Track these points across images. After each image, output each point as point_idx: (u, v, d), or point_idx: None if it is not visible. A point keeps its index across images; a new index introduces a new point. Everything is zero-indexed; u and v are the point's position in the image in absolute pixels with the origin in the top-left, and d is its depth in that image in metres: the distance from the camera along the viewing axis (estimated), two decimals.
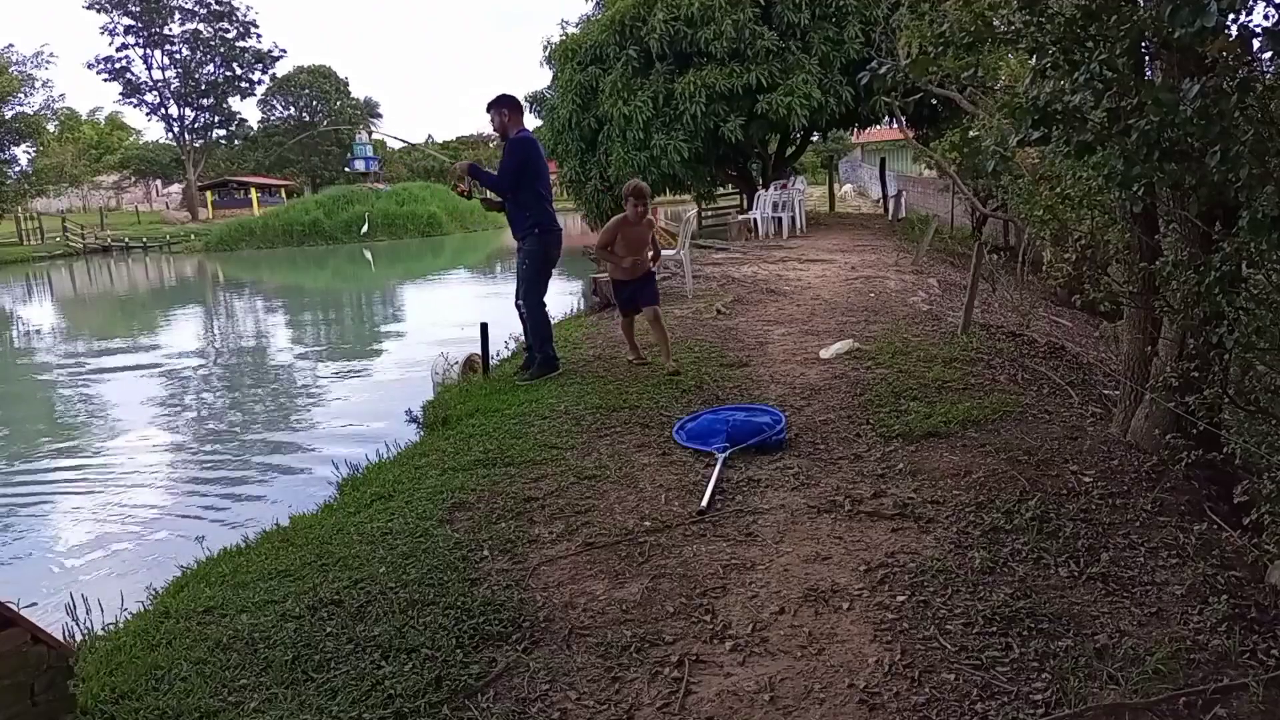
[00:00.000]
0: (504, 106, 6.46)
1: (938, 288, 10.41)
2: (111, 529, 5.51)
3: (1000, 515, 3.61)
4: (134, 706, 2.69)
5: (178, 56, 55.99)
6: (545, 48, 19.53)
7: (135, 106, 56.80)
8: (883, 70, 3.88)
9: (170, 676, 2.83)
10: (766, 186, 18.61)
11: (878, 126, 22.39)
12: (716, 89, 16.64)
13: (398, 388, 8.78)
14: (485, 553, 3.60)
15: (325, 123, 63.58)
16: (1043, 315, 9.16)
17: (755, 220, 17.27)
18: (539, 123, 20.70)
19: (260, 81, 60.39)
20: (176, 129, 57.00)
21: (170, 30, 55.53)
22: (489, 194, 6.76)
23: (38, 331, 18.13)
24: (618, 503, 4.06)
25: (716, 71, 16.70)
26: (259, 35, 58.75)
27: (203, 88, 56.69)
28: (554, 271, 6.72)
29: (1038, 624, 2.81)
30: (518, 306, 6.71)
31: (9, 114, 40.99)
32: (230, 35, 57.33)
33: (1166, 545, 3.35)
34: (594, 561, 3.49)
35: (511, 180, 6.40)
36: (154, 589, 3.82)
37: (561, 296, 15.26)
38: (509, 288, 6.87)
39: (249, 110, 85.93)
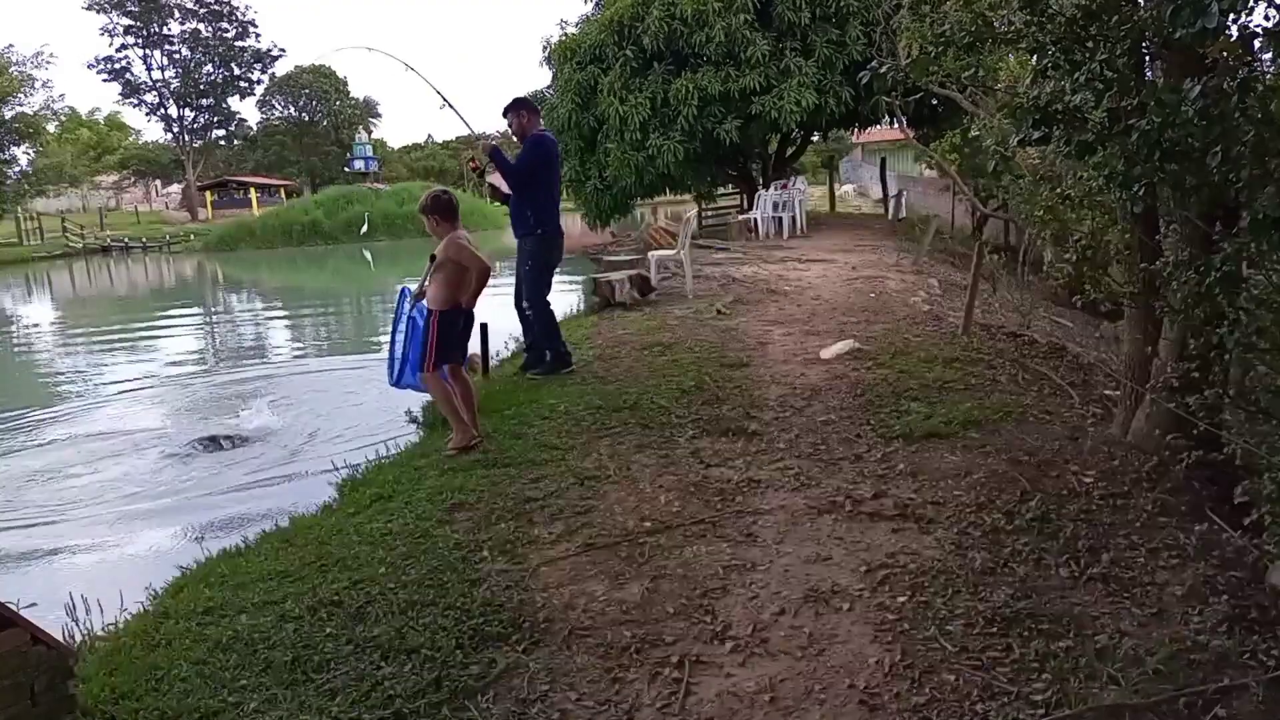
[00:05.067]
0: (522, 109, 6.50)
1: (938, 288, 10.41)
2: (111, 529, 5.51)
3: (1001, 516, 3.61)
4: (134, 707, 2.69)
5: (177, 57, 56.04)
6: (545, 48, 19.53)
7: (135, 107, 56.98)
8: (883, 70, 3.88)
9: (170, 677, 2.83)
10: (767, 186, 18.60)
11: (878, 126, 22.35)
12: (710, 92, 16.65)
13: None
14: (485, 553, 3.60)
15: (325, 122, 63.63)
16: (1043, 315, 9.15)
17: (755, 220, 17.26)
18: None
19: (259, 81, 60.51)
20: (176, 129, 57.02)
21: (169, 30, 55.65)
22: (499, 183, 6.75)
23: (38, 328, 18.13)
24: (618, 503, 4.05)
25: (711, 74, 16.71)
26: (258, 35, 58.90)
27: (202, 88, 56.72)
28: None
29: (1038, 624, 2.81)
30: (519, 308, 6.71)
31: (9, 114, 40.98)
32: (229, 35, 57.38)
33: (1167, 546, 3.34)
34: (594, 562, 3.48)
35: (526, 175, 6.39)
36: (154, 589, 3.81)
37: (562, 296, 15.25)
38: (508, 287, 6.88)
39: (248, 110, 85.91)
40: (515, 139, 6.62)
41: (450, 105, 7.05)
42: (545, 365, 6.60)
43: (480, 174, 6.82)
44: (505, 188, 6.68)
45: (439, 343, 5.06)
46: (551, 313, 6.69)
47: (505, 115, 6.53)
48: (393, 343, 5.98)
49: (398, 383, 5.88)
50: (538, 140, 6.44)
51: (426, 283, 5.24)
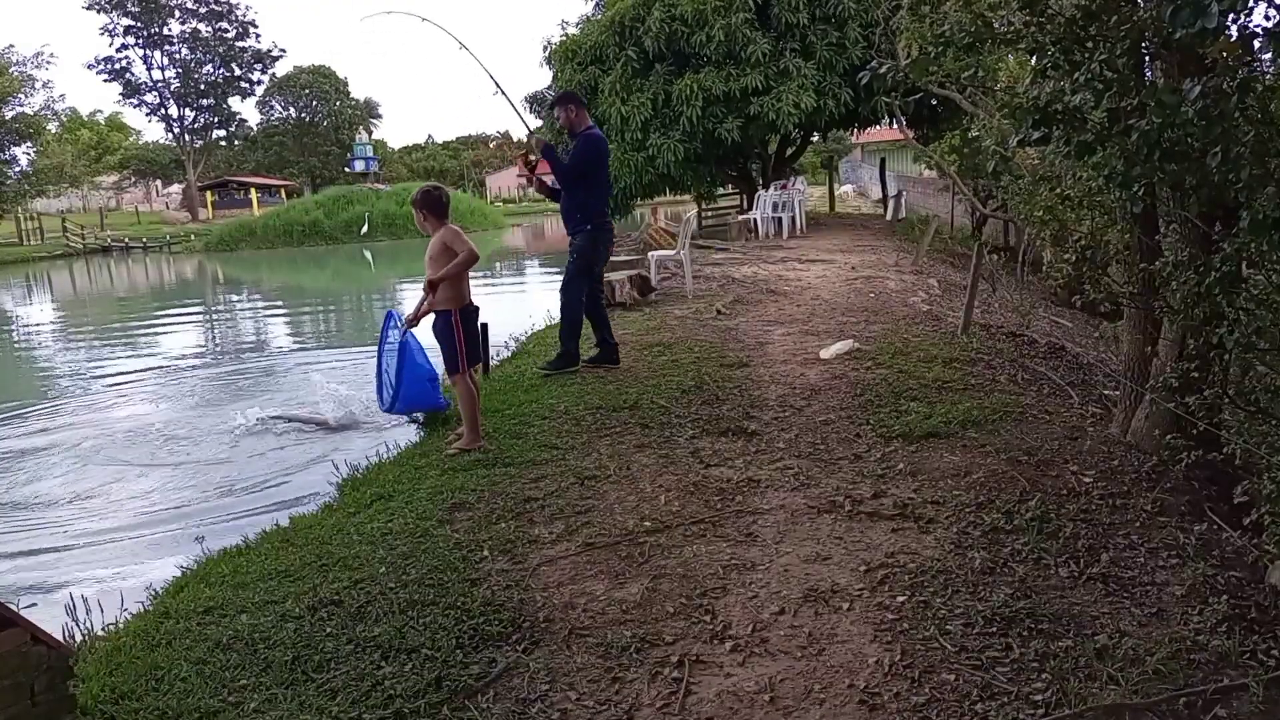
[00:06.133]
0: (570, 103, 6.61)
1: (938, 288, 10.41)
2: (111, 529, 5.50)
3: (1000, 515, 3.61)
4: (134, 707, 2.69)
5: (177, 57, 56.11)
6: (545, 48, 19.55)
7: (135, 107, 57.05)
8: (883, 70, 3.88)
9: (170, 677, 2.83)
10: (766, 187, 18.61)
11: (878, 127, 22.38)
12: (713, 91, 16.66)
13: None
14: (485, 553, 3.60)
15: (325, 122, 63.77)
16: (1043, 315, 9.17)
17: (755, 220, 17.27)
18: (539, 123, 20.70)
19: (260, 82, 60.57)
20: (176, 129, 57.04)
21: (170, 30, 55.70)
22: (548, 179, 6.84)
23: (38, 328, 18.13)
24: (618, 503, 4.06)
25: (713, 74, 16.72)
26: (258, 35, 59.04)
27: (202, 88, 56.77)
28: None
29: (1038, 624, 2.81)
30: (561, 300, 6.84)
31: (9, 114, 41.01)
32: (229, 35, 57.43)
33: (1167, 545, 3.34)
34: (594, 562, 3.49)
35: (577, 175, 6.47)
36: (154, 589, 3.82)
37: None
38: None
39: (249, 110, 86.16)
40: (566, 134, 6.70)
41: (503, 92, 7.20)
42: (554, 361, 6.64)
43: (531, 169, 6.93)
44: (551, 182, 6.78)
45: (465, 343, 5.14)
46: (580, 311, 6.71)
47: (553, 109, 6.65)
48: (379, 367, 6.04)
49: (390, 408, 5.94)
50: (589, 138, 6.51)
51: (425, 302, 5.19)
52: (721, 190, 22.27)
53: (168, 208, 61.81)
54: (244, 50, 58.05)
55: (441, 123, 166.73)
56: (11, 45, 65.92)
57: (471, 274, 5.44)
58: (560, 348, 6.70)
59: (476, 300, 5.41)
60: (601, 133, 6.82)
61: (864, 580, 3.19)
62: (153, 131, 79.20)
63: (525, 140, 6.96)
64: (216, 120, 58.86)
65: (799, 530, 3.65)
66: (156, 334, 16.23)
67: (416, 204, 5.25)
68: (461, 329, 5.12)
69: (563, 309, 6.70)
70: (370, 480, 4.83)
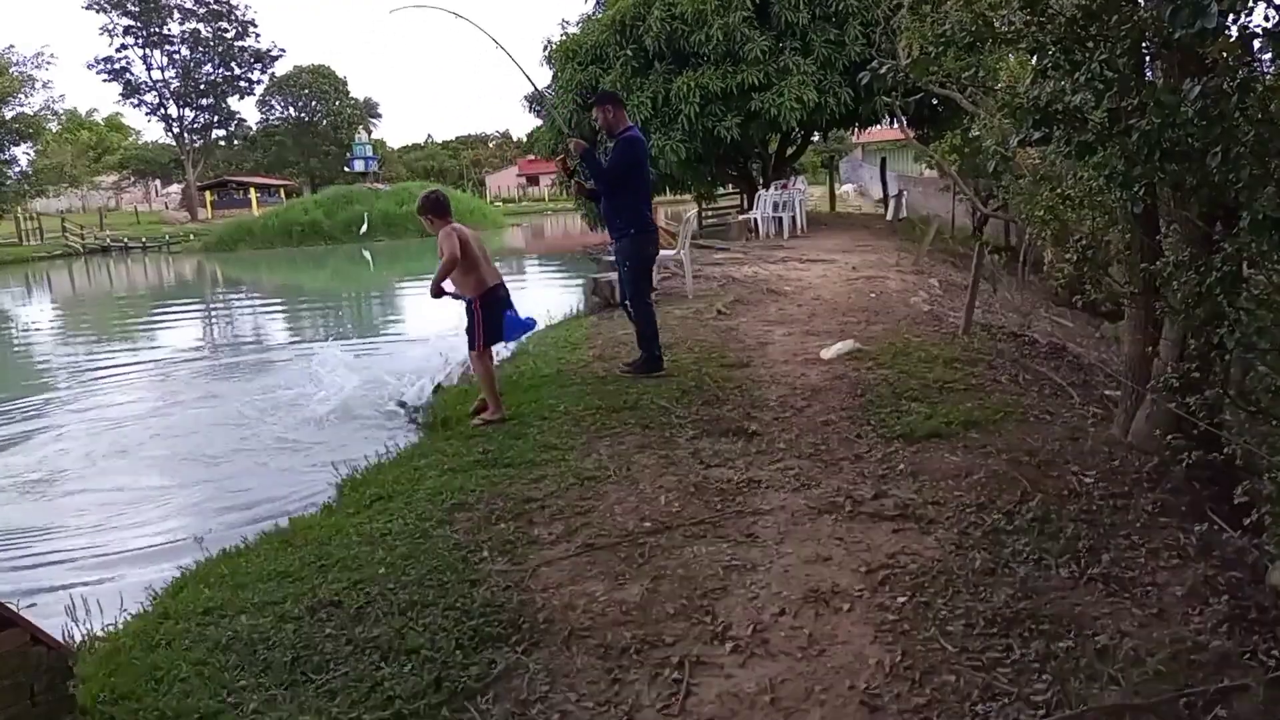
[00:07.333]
0: (608, 104, 6.51)
1: (939, 288, 10.41)
2: (111, 529, 5.50)
3: (1001, 516, 3.60)
4: (134, 707, 2.69)
5: (177, 56, 56.09)
6: (545, 47, 19.54)
7: (135, 107, 57.02)
8: (883, 70, 3.88)
9: (170, 677, 2.83)
10: (767, 186, 18.60)
11: (878, 126, 22.34)
12: (711, 89, 16.64)
13: (396, 388, 8.75)
14: (485, 554, 3.60)
15: (325, 122, 63.84)
16: (1044, 316, 9.16)
17: (756, 220, 17.27)
18: (539, 122, 20.67)
19: (259, 81, 60.58)
20: (176, 129, 57.03)
21: (169, 30, 55.67)
22: (588, 181, 6.83)
23: (38, 329, 18.14)
24: (618, 503, 4.05)
25: (711, 72, 16.70)
26: (258, 35, 59.00)
27: (202, 88, 56.76)
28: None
29: (1039, 625, 2.81)
30: (624, 306, 6.85)
31: (9, 114, 41.00)
32: (229, 35, 57.42)
33: (1167, 546, 3.34)
34: (594, 562, 3.48)
35: (618, 178, 6.41)
36: (154, 590, 3.82)
37: (562, 296, 15.24)
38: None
39: (248, 110, 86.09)
40: (605, 134, 6.62)
41: (539, 91, 7.28)
42: (635, 365, 6.56)
43: (571, 174, 6.93)
44: (591, 185, 6.75)
45: (485, 325, 5.56)
46: (653, 313, 6.64)
47: (591, 109, 6.61)
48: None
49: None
50: (629, 141, 6.41)
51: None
52: (722, 190, 22.23)
53: (167, 208, 61.81)
54: (244, 50, 58.03)
55: (441, 122, 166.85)
56: (11, 45, 65.80)
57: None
58: (643, 354, 6.53)
59: None
60: (640, 133, 6.70)
61: (865, 581, 3.19)
62: (152, 131, 79.13)
63: (567, 146, 6.88)
64: (216, 120, 58.83)
65: (800, 531, 3.65)
66: (155, 331, 16.24)
67: (420, 211, 5.60)
68: (483, 313, 5.52)
69: (637, 321, 6.56)
70: (370, 481, 4.83)
